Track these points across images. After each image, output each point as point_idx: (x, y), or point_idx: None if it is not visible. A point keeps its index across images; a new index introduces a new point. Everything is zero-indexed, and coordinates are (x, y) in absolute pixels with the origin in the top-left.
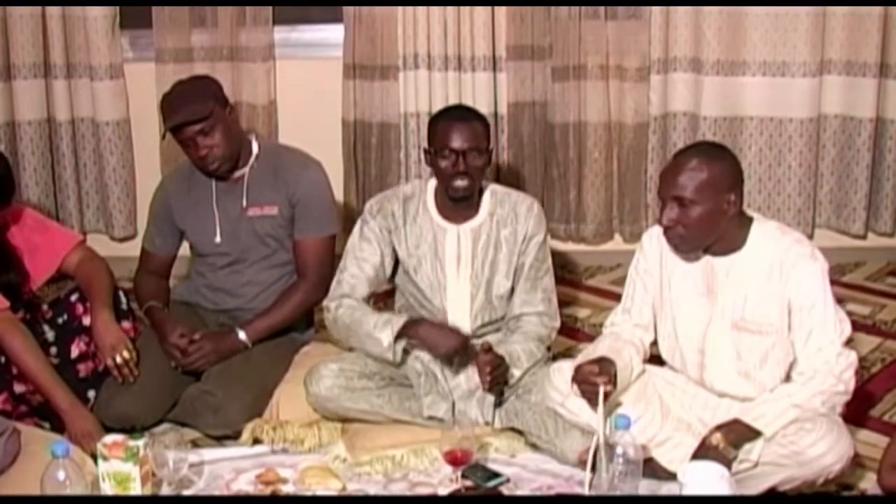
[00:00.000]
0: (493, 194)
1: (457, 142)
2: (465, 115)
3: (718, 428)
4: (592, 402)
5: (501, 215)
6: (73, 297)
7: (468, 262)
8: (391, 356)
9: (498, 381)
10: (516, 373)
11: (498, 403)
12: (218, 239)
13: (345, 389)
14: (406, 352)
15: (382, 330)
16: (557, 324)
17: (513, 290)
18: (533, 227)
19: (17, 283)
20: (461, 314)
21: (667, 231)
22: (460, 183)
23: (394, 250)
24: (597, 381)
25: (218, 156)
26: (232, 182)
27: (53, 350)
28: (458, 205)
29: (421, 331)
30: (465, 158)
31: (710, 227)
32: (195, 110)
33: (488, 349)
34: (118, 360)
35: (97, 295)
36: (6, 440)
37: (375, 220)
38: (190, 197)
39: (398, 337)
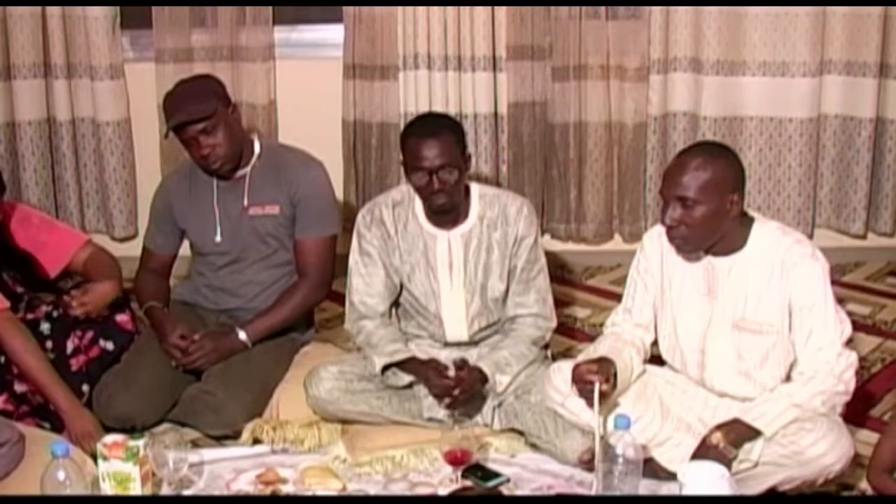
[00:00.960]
0: (481, 197)
1: (427, 160)
2: (434, 128)
3: (718, 427)
4: (589, 401)
5: (491, 218)
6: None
7: (461, 267)
8: (389, 380)
9: (460, 402)
10: (504, 379)
11: (460, 414)
12: (218, 238)
13: (344, 392)
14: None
15: (381, 356)
16: (553, 324)
17: (507, 292)
18: (524, 229)
19: (36, 273)
20: (457, 320)
21: (669, 231)
22: (437, 201)
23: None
24: (592, 380)
25: (220, 155)
26: (233, 181)
27: (49, 344)
28: (441, 216)
29: (411, 370)
30: (437, 176)
31: (714, 228)
32: (198, 109)
33: (460, 367)
34: (79, 311)
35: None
36: (10, 447)
37: (370, 230)
38: (191, 196)
39: (394, 366)
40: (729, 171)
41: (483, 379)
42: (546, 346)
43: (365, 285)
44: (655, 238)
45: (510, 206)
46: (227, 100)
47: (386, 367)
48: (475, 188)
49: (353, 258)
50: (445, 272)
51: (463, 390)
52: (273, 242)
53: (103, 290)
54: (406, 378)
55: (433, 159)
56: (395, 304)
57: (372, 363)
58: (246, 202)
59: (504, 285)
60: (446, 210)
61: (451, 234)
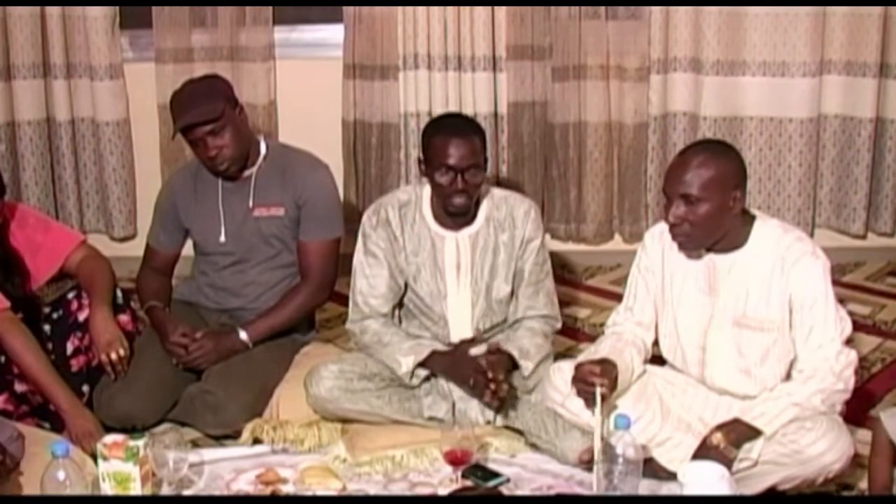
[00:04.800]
0: (489, 198)
1: (455, 159)
2: (463, 128)
3: (719, 428)
4: (588, 402)
5: (499, 219)
6: (70, 295)
7: (468, 269)
8: (408, 380)
9: (501, 394)
10: (529, 365)
11: (499, 408)
12: (223, 238)
13: (345, 391)
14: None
15: (406, 355)
16: (559, 324)
17: (512, 293)
18: (531, 232)
19: (20, 285)
20: (462, 321)
21: (672, 228)
22: (459, 200)
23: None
24: (594, 382)
25: (227, 156)
26: (239, 182)
27: (49, 346)
28: (455, 217)
29: (438, 366)
30: (463, 176)
31: (716, 225)
32: (206, 111)
33: (493, 351)
34: (113, 356)
35: (97, 291)
36: (10, 444)
37: (376, 231)
38: (196, 195)
39: (419, 365)
40: (731, 168)
41: (512, 364)
42: None
43: (369, 286)
44: (657, 236)
45: (517, 209)
46: (234, 100)
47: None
48: (482, 189)
49: (358, 258)
50: (453, 273)
51: (497, 379)
52: (277, 244)
53: (112, 327)
54: (423, 373)
55: (461, 159)
56: (399, 305)
57: (396, 363)
58: (251, 203)
59: (510, 287)
60: (464, 212)
61: (458, 235)
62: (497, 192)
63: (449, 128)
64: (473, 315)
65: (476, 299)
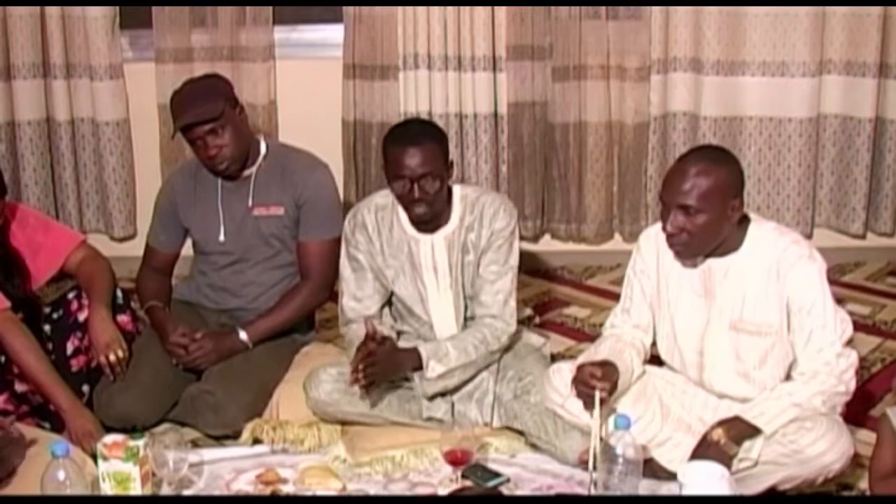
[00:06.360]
0: (463, 199)
1: (408, 169)
2: (417, 137)
3: (720, 424)
4: (587, 404)
5: (471, 220)
6: (70, 295)
7: (446, 270)
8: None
9: (370, 375)
10: (439, 368)
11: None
12: (222, 238)
13: (344, 393)
14: None
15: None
16: (511, 328)
17: None
18: (496, 232)
19: (20, 285)
20: (447, 322)
21: (670, 237)
22: (417, 210)
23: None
24: (595, 385)
25: (227, 156)
26: (238, 181)
27: (49, 346)
28: (421, 225)
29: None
30: (418, 185)
31: (715, 234)
32: (205, 111)
33: (379, 341)
34: (111, 358)
35: (96, 292)
36: (15, 448)
37: (354, 235)
38: (195, 195)
39: None
40: (730, 178)
41: (417, 363)
42: (508, 349)
43: (354, 289)
44: (652, 238)
45: (488, 208)
46: (234, 100)
47: None
48: (457, 190)
49: (343, 262)
50: (431, 275)
51: (373, 363)
52: (276, 244)
53: (111, 328)
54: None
55: (414, 168)
56: (389, 304)
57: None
58: (251, 202)
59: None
60: (426, 220)
61: (434, 237)
62: (471, 193)
63: (401, 136)
64: (457, 316)
65: (457, 300)
